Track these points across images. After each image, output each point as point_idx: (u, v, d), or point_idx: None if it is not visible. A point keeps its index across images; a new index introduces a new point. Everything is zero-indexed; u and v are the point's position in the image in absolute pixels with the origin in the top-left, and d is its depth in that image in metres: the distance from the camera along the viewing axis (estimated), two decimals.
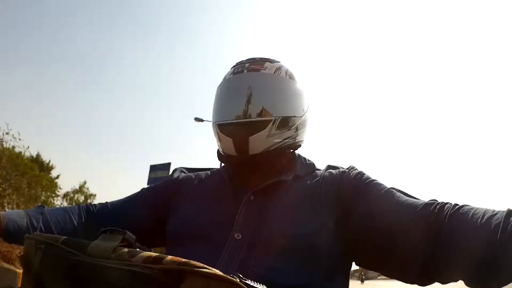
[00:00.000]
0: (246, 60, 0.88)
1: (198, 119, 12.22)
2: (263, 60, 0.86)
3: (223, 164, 0.89)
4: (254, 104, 0.79)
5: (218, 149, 0.87)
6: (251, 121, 0.78)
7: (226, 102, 0.83)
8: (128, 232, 0.47)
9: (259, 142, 0.77)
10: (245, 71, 0.84)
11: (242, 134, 0.77)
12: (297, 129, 0.83)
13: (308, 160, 0.88)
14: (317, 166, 0.88)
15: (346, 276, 0.74)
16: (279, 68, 0.85)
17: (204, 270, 0.39)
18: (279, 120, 0.78)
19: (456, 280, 0.59)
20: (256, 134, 0.76)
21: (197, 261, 0.41)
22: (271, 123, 0.77)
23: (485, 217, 0.55)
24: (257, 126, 0.77)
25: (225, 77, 0.88)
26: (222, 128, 0.81)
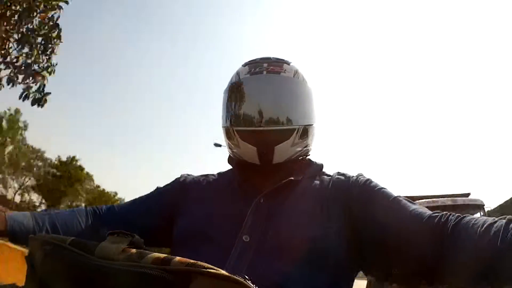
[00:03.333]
0: (261, 59, 0.83)
1: (217, 145, 11.94)
2: (279, 61, 0.83)
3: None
4: (279, 111, 0.76)
5: (229, 154, 0.85)
6: (276, 130, 0.75)
7: (246, 105, 0.78)
8: (136, 235, 0.48)
9: (284, 152, 0.75)
10: (264, 72, 0.79)
11: (268, 143, 0.75)
12: (313, 137, 0.83)
13: (316, 163, 0.87)
14: (325, 170, 0.86)
15: (351, 283, 0.74)
16: (296, 71, 0.82)
17: (212, 271, 0.40)
18: (302, 129, 0.77)
19: (458, 283, 0.61)
20: (282, 144, 0.75)
21: (205, 263, 0.42)
22: (296, 132, 0.76)
23: (485, 225, 0.57)
24: (283, 135, 0.75)
25: (239, 76, 0.82)
26: (243, 135, 0.77)
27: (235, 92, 0.81)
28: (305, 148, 0.81)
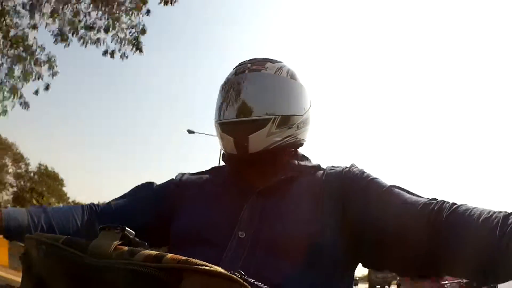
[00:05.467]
0: (248, 60, 0.88)
1: (190, 131, 12.77)
2: (264, 61, 0.87)
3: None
4: (254, 103, 0.80)
5: (223, 151, 0.87)
6: (251, 120, 0.79)
7: (227, 101, 0.84)
8: (127, 228, 0.47)
9: (258, 141, 0.77)
10: (247, 71, 0.84)
11: (242, 132, 0.78)
12: (298, 128, 0.83)
13: (311, 160, 0.88)
14: (320, 165, 0.86)
15: (350, 277, 0.74)
16: (280, 68, 0.85)
17: (204, 267, 0.39)
18: (279, 118, 0.79)
19: (455, 275, 0.61)
20: (256, 133, 0.77)
21: (197, 260, 0.41)
22: (271, 121, 0.78)
23: (482, 216, 0.57)
24: (257, 125, 0.77)
25: (227, 77, 0.88)
26: (223, 127, 0.82)
27: (220, 92, 0.87)
28: (287, 138, 0.81)
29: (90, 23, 5.35)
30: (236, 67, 0.89)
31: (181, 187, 0.87)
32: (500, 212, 0.56)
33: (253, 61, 0.87)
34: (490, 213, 0.57)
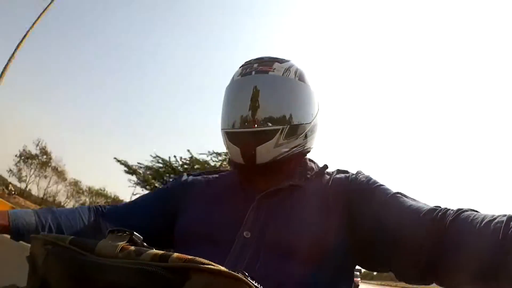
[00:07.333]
0: (254, 60, 0.85)
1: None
2: (271, 60, 0.83)
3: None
4: (261, 111, 0.77)
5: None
6: (258, 131, 0.76)
7: (233, 107, 0.81)
8: (135, 232, 0.48)
9: (266, 152, 0.76)
10: (253, 72, 0.81)
11: (249, 143, 0.76)
12: (306, 136, 0.82)
13: (318, 164, 0.87)
14: (327, 167, 0.86)
15: (350, 277, 0.74)
16: (288, 69, 0.82)
17: (209, 266, 0.40)
18: (287, 128, 0.77)
19: (458, 282, 0.60)
20: (263, 144, 0.75)
21: (203, 259, 0.41)
22: (279, 132, 0.76)
23: (484, 221, 0.56)
24: (265, 136, 0.75)
25: (233, 78, 0.85)
26: (230, 136, 0.80)
27: (227, 94, 0.84)
28: (294, 148, 0.80)
29: None
30: (242, 66, 0.85)
31: (187, 187, 0.87)
32: (505, 215, 0.55)
33: (260, 61, 0.84)
34: (494, 217, 0.56)
